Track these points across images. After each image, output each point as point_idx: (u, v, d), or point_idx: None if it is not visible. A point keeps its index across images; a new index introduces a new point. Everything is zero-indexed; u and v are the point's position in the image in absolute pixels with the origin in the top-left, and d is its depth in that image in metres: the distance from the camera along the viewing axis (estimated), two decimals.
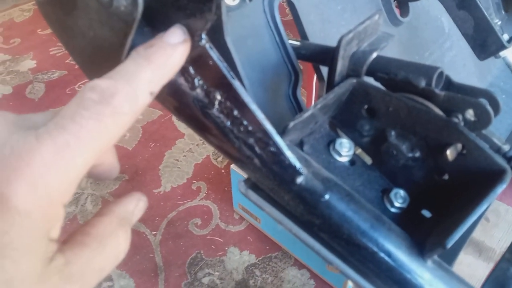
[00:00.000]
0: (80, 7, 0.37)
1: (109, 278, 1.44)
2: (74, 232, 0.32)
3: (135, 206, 0.36)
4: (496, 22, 0.60)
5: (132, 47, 0.39)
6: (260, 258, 1.53)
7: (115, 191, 1.72)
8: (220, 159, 1.86)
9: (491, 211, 1.64)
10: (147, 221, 1.61)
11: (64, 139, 0.27)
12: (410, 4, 0.74)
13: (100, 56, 0.40)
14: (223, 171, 1.79)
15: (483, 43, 0.60)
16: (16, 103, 2.14)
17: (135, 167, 1.81)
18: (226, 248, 1.55)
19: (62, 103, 2.12)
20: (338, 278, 1.36)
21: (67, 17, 0.40)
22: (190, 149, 1.91)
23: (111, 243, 0.32)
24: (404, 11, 0.74)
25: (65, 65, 2.33)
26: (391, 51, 0.72)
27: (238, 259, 1.53)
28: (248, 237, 1.59)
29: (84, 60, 0.43)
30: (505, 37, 0.61)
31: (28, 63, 2.40)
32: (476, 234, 1.62)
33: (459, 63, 0.88)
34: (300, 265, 1.50)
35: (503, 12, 0.99)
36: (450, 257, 0.56)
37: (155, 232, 1.59)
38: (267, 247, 1.56)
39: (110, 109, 0.29)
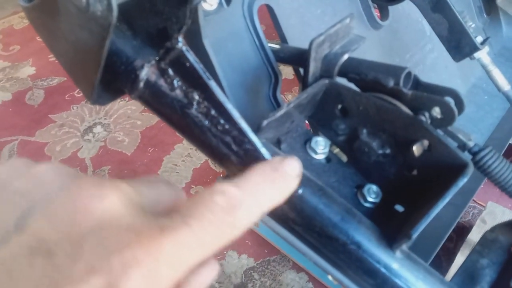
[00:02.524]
0: (62, 13, 0.39)
1: None
2: None
3: (210, 277, 0.35)
4: (470, 24, 0.62)
5: (115, 50, 0.41)
6: (259, 262, 1.53)
7: None
8: (215, 163, 1.87)
9: (487, 214, 1.65)
10: None
11: (187, 238, 0.27)
12: (390, 7, 0.76)
13: (82, 58, 0.42)
14: (221, 175, 1.80)
15: (458, 45, 0.62)
16: (15, 109, 2.15)
17: (133, 172, 1.82)
18: (225, 252, 1.55)
19: (61, 109, 2.13)
20: None
21: (51, 22, 0.41)
22: (189, 154, 1.92)
23: None
24: (384, 14, 0.76)
25: (64, 72, 2.30)
26: (372, 53, 0.74)
27: (237, 262, 1.53)
28: (247, 241, 1.59)
29: (68, 62, 0.45)
30: (479, 39, 0.63)
31: (28, 70, 2.42)
32: (473, 236, 1.63)
33: (441, 65, 0.90)
34: (299, 269, 1.50)
35: (485, 15, 1.01)
36: (427, 253, 0.58)
37: None
38: (266, 251, 1.56)
39: (232, 220, 0.29)
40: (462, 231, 1.50)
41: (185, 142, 1.97)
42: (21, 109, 2.16)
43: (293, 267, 1.51)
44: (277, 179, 0.34)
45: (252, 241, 1.58)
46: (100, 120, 2.06)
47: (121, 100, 2.13)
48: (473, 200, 1.56)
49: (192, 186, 1.79)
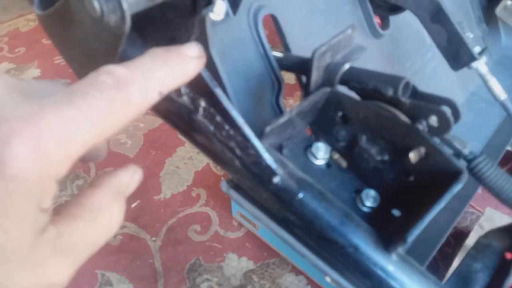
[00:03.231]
0: (76, 22, 0.41)
1: (109, 283, 1.46)
2: (67, 202, 0.31)
3: (130, 178, 0.36)
4: (469, 35, 0.64)
5: (125, 57, 0.43)
6: (258, 265, 1.54)
7: None
8: (219, 167, 1.88)
9: (485, 219, 1.65)
10: (147, 227, 1.62)
11: (72, 113, 0.26)
12: (391, 17, 0.77)
13: (94, 65, 0.43)
14: (222, 178, 1.81)
15: (456, 55, 0.64)
16: None
17: None
18: (225, 255, 1.56)
19: None
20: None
21: (65, 30, 0.43)
22: (191, 156, 1.93)
23: (105, 216, 0.32)
24: (385, 24, 0.78)
25: (68, 74, 2.34)
26: (373, 62, 0.76)
27: (237, 265, 1.54)
28: (247, 244, 1.60)
29: (79, 68, 0.47)
30: (477, 49, 0.64)
31: (33, 72, 2.42)
32: (471, 241, 1.63)
33: (441, 73, 0.92)
34: (298, 272, 1.51)
35: (484, 24, 1.02)
36: (423, 257, 0.59)
37: (154, 238, 1.60)
38: (265, 254, 1.57)
39: (122, 96, 0.29)
40: (460, 236, 1.51)
41: (187, 145, 1.98)
42: None
43: (292, 270, 1.52)
44: (170, 59, 0.34)
45: (251, 244, 1.59)
46: None
47: None
48: (471, 205, 1.57)
49: (194, 188, 1.79)
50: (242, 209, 1.58)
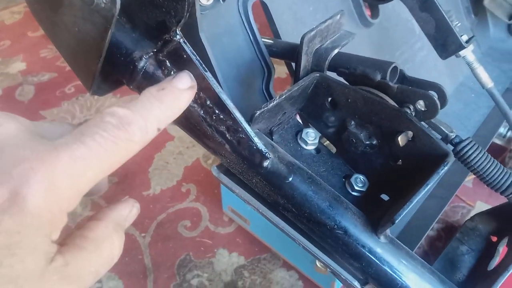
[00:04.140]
0: (66, 5, 0.41)
1: (98, 280, 1.45)
2: (72, 234, 0.34)
3: (129, 212, 0.39)
4: (457, 23, 0.64)
5: (115, 42, 0.43)
6: (249, 260, 1.54)
7: (104, 194, 1.72)
8: (210, 161, 1.87)
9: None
10: (136, 223, 1.61)
11: (81, 153, 0.30)
12: (380, 6, 0.78)
13: (84, 49, 0.44)
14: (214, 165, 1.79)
15: (444, 43, 0.65)
16: (5, 105, 2.11)
17: (124, 169, 1.81)
18: (215, 250, 1.56)
19: (52, 105, 2.12)
20: (326, 279, 1.37)
21: (54, 14, 0.43)
22: (180, 151, 1.92)
23: (107, 247, 0.35)
24: (375, 13, 0.78)
25: (55, 67, 2.32)
26: (362, 51, 0.76)
27: (227, 260, 1.54)
28: (237, 239, 1.60)
29: (69, 54, 0.47)
30: (464, 38, 0.65)
31: (18, 65, 2.39)
32: None
33: (430, 63, 0.93)
34: (289, 267, 1.51)
35: (472, 16, 1.04)
36: (412, 242, 0.60)
37: (144, 234, 1.59)
38: (256, 249, 1.56)
39: (125, 135, 0.33)
40: (451, 230, 1.52)
41: (177, 140, 1.97)
42: (11, 105, 2.14)
43: (283, 265, 1.52)
44: (165, 96, 0.37)
45: (242, 239, 1.59)
46: (91, 116, 2.05)
47: (113, 97, 2.13)
48: (462, 200, 1.58)
49: (183, 183, 1.79)
50: (232, 204, 1.58)
